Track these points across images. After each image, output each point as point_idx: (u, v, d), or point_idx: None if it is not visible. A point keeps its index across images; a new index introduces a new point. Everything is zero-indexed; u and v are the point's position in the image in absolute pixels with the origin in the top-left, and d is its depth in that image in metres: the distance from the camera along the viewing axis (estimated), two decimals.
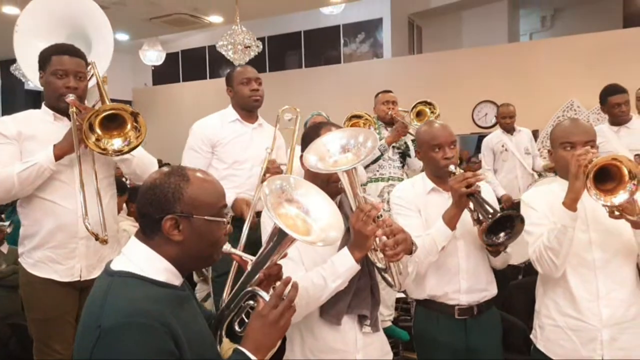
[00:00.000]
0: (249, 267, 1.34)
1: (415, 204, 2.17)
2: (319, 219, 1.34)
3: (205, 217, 1.21)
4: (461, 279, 2.10)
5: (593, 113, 7.36)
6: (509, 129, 4.87)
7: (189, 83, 11.53)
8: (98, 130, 2.14)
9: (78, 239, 2.22)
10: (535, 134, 5.48)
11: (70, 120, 2.18)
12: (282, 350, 1.83)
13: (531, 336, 2.08)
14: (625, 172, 1.67)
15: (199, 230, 1.21)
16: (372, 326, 1.76)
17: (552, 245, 1.83)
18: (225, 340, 1.35)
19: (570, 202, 1.79)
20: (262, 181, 2.65)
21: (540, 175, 4.74)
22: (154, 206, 1.19)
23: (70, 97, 2.18)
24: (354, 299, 1.72)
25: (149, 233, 1.21)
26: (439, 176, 2.13)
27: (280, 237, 1.25)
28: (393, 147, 3.81)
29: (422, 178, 2.24)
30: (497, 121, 5.06)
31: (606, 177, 1.71)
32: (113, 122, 2.17)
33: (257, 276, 1.33)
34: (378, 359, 1.81)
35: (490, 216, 1.84)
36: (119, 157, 2.25)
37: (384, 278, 1.74)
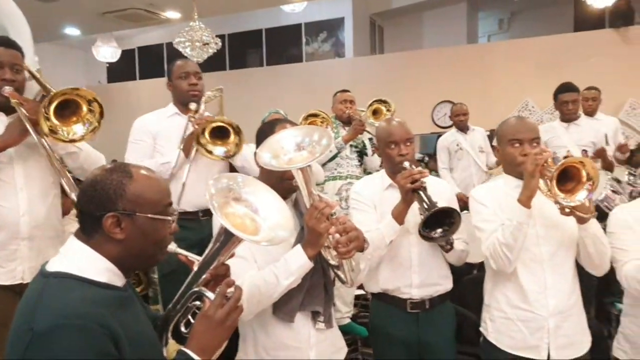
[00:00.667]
0: (195, 268, 1.31)
1: (371, 199, 2.21)
2: (268, 218, 1.32)
3: (149, 215, 1.18)
4: (413, 273, 2.15)
5: (546, 113, 7.60)
6: (463, 128, 4.98)
7: (146, 81, 11.17)
8: (54, 120, 2.05)
9: (20, 239, 2.13)
10: (492, 132, 5.61)
11: (7, 115, 2.10)
12: (234, 348, 1.82)
13: (481, 329, 2.13)
14: (584, 173, 1.73)
15: (142, 229, 1.18)
16: (326, 322, 1.78)
17: (508, 241, 1.89)
18: (172, 342, 1.32)
19: (526, 200, 1.86)
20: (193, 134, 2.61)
21: (490, 169, 4.87)
22: (94, 203, 1.15)
23: (7, 89, 2.08)
24: (307, 296, 1.72)
25: (89, 232, 1.17)
26: (395, 173, 2.15)
27: (227, 237, 1.23)
28: (351, 145, 3.84)
29: (382, 174, 2.29)
30: (452, 119, 5.16)
31: (565, 177, 1.77)
32: (66, 110, 2.09)
33: (203, 276, 1.30)
34: (331, 355, 1.82)
35: (427, 210, 1.90)
36: (64, 151, 2.18)
37: (336, 275, 1.76)
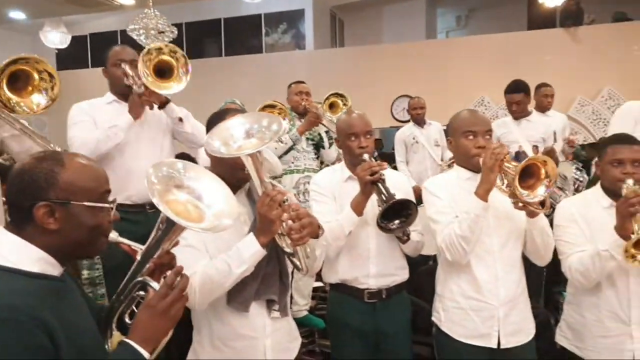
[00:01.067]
0: (138, 257, 1.27)
1: (331, 190, 2.22)
2: (213, 205, 1.28)
3: (85, 203, 1.13)
4: (371, 263, 2.16)
5: (501, 108, 7.79)
6: (420, 121, 5.05)
7: (98, 69, 10.86)
8: (10, 95, 1.97)
9: None
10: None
11: None
12: (188, 340, 1.80)
13: (433, 319, 2.16)
14: (544, 171, 1.78)
15: (78, 218, 1.13)
16: (281, 311, 1.76)
17: (465, 233, 1.92)
18: (116, 333, 1.28)
19: (484, 193, 1.89)
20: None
21: (449, 165, 4.95)
22: (23, 194, 1.10)
23: None
24: (262, 285, 1.71)
25: (20, 224, 1.12)
26: (355, 165, 2.16)
27: (170, 225, 1.19)
28: (307, 138, 3.81)
29: (341, 166, 2.29)
30: (409, 113, 5.21)
31: (525, 174, 1.81)
32: (18, 83, 2.01)
33: (147, 266, 1.26)
34: (287, 345, 1.82)
35: (385, 202, 1.92)
36: (8, 133, 2.07)
37: (292, 262, 1.74)
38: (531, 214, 1.91)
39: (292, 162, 3.73)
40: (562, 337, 2.18)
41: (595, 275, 1.94)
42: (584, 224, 2.06)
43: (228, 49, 10.95)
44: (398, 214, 1.97)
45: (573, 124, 7.90)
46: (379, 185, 1.98)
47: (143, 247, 1.28)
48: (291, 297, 3.26)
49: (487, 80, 7.98)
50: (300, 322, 3.03)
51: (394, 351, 2.23)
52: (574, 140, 4.54)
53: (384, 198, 1.94)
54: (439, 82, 8.46)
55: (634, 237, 1.77)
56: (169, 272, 1.19)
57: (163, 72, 2.59)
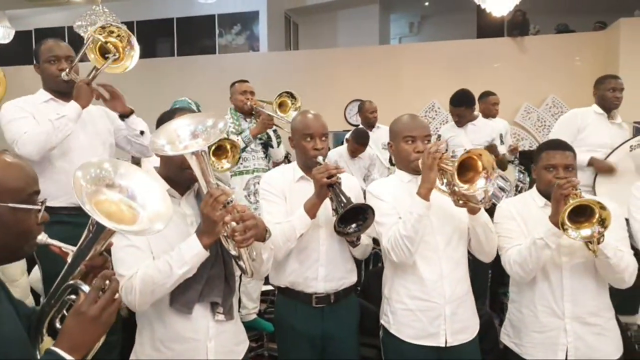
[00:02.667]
0: (69, 259, 1.21)
1: (282, 190, 2.19)
2: (147, 205, 1.24)
3: (10, 205, 1.07)
4: (320, 266, 2.15)
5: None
6: (372, 125, 5.10)
7: None
8: None
9: None
10: None
11: None
12: (132, 339, 1.76)
13: (382, 322, 2.17)
14: (480, 164, 1.82)
15: (2, 220, 1.07)
16: (226, 314, 1.73)
17: (409, 233, 1.94)
18: (47, 338, 1.22)
19: (426, 192, 1.93)
20: None
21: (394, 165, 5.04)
22: None
23: None
24: (206, 287, 1.68)
25: None
26: (308, 166, 2.15)
27: (100, 227, 1.14)
28: (259, 139, 3.77)
29: (293, 166, 2.26)
30: (361, 116, 5.24)
31: (463, 169, 1.85)
32: None
33: (79, 269, 1.20)
34: (232, 347, 1.78)
35: (343, 206, 1.90)
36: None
37: (238, 265, 1.72)
38: (472, 211, 1.95)
39: (242, 163, 3.67)
40: (505, 335, 2.23)
41: (532, 266, 1.98)
42: (522, 221, 2.13)
43: (181, 49, 10.78)
44: (354, 218, 1.96)
45: (519, 130, 8.21)
46: (336, 188, 1.96)
47: (74, 249, 1.22)
48: (239, 300, 3.23)
49: (438, 86, 8.15)
50: (249, 326, 3.00)
51: (341, 354, 2.22)
52: (516, 148, 4.70)
53: (341, 202, 1.92)
54: (392, 87, 8.60)
55: (567, 207, 1.83)
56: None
57: (108, 53, 2.53)
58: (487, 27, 9.74)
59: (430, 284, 2.02)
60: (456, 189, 1.85)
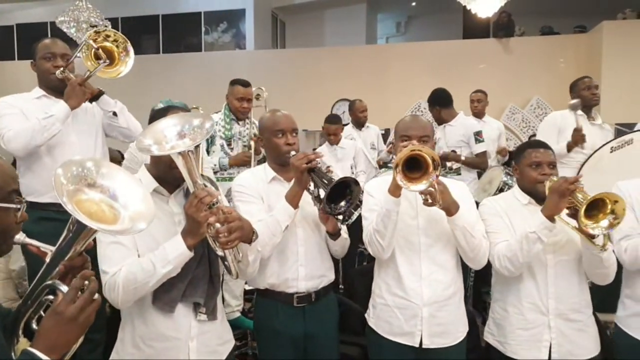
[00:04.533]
0: (47, 259, 1.20)
1: (257, 190, 2.16)
2: (129, 205, 1.23)
3: None
4: (300, 265, 2.14)
5: None
6: (362, 124, 5.11)
7: (26, 62, 10.31)
8: None
9: None
10: (387, 132, 5.81)
11: None
12: (113, 337, 1.75)
13: (366, 315, 2.20)
14: (430, 161, 1.82)
15: None
16: (209, 314, 1.73)
17: (378, 227, 1.97)
18: (23, 340, 1.20)
19: (394, 189, 1.93)
20: None
21: (383, 167, 5.03)
22: None
23: None
24: (189, 287, 1.68)
25: None
26: (280, 163, 2.15)
27: (80, 226, 1.13)
28: (244, 145, 3.70)
29: (264, 167, 2.24)
30: (351, 115, 5.24)
31: (416, 167, 1.86)
32: None
33: (57, 268, 1.19)
34: (216, 347, 1.78)
35: (327, 184, 1.87)
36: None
37: (224, 266, 1.72)
38: (447, 211, 1.95)
39: (226, 170, 3.62)
40: (488, 334, 2.24)
41: (523, 260, 1.99)
42: (506, 218, 2.15)
43: (166, 46, 10.69)
44: (342, 196, 1.92)
45: (504, 131, 8.27)
46: (316, 171, 1.94)
47: (53, 249, 1.21)
48: (223, 298, 3.20)
49: (424, 86, 8.06)
50: (232, 324, 2.98)
51: (321, 353, 2.21)
52: (505, 149, 4.73)
53: (325, 182, 1.90)
54: (378, 86, 8.63)
55: (582, 206, 1.84)
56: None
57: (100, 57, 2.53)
58: (473, 28, 9.82)
59: (408, 283, 2.04)
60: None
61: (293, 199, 2.02)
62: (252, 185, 2.17)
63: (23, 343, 1.19)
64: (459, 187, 2.16)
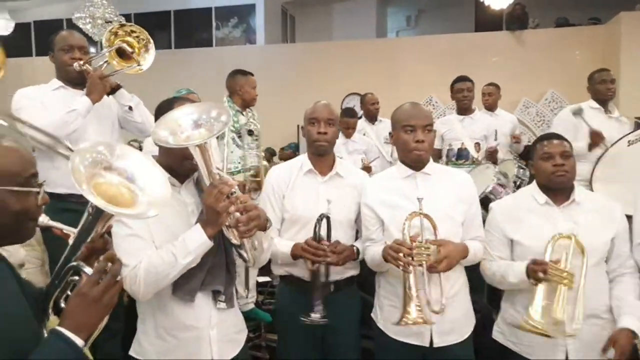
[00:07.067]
0: (71, 241, 1.23)
1: (281, 189, 2.22)
2: (146, 187, 1.24)
3: (8, 188, 1.08)
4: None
5: (449, 108, 7.98)
6: (373, 117, 5.09)
7: (43, 58, 10.46)
8: None
9: None
10: None
11: None
12: (131, 328, 1.78)
13: (372, 315, 2.18)
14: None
15: (2, 203, 1.08)
16: (227, 302, 1.75)
17: (374, 268, 2.12)
18: (54, 317, 1.24)
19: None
20: None
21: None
22: None
23: None
24: (208, 276, 1.70)
25: None
26: (313, 152, 2.22)
27: (99, 209, 1.15)
28: (250, 134, 3.75)
29: (302, 158, 2.28)
30: (363, 109, 5.23)
31: None
32: None
33: (80, 250, 1.22)
34: (233, 336, 1.80)
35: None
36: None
37: (239, 254, 1.73)
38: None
39: (240, 162, 3.65)
40: (499, 333, 2.20)
41: (501, 287, 2.11)
42: (513, 224, 2.11)
43: (178, 42, 10.74)
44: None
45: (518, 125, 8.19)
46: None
47: (75, 231, 1.24)
48: (236, 290, 3.23)
49: (435, 80, 8.14)
50: (246, 316, 3.01)
51: (341, 345, 2.23)
52: (519, 136, 4.68)
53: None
54: (389, 80, 8.57)
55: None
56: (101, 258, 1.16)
57: (122, 52, 2.60)
58: (486, 21, 9.73)
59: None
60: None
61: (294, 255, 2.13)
62: (278, 184, 2.24)
63: (53, 321, 1.22)
64: (463, 180, 2.14)
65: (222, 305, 1.74)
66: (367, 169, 3.99)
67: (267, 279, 3.75)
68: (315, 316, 1.99)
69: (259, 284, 3.69)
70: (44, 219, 1.19)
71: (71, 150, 2.21)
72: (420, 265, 1.85)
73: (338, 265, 2.07)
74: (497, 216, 2.16)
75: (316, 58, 9.26)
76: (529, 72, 8.20)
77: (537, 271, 1.89)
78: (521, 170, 3.40)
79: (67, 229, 1.24)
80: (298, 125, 8.69)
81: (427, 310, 1.86)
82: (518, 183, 3.25)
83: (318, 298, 2.01)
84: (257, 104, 3.93)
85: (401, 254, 1.83)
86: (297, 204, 2.18)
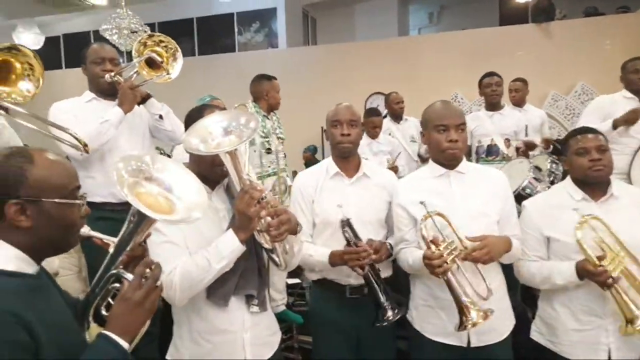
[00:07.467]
0: (111, 249, 1.28)
1: (309, 194, 2.23)
2: (183, 197, 1.28)
3: (55, 200, 1.12)
4: None
5: (474, 104, 7.89)
6: (398, 116, 5.06)
7: (72, 70, 10.66)
8: (5, 88, 2.02)
9: None
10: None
11: None
12: (169, 333, 1.81)
13: (407, 316, 2.16)
14: None
15: (49, 215, 1.13)
16: (260, 306, 1.77)
17: (407, 270, 2.08)
18: (93, 325, 1.29)
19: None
20: None
21: (424, 160, 4.96)
22: None
23: None
24: (241, 280, 1.72)
25: None
26: (337, 155, 2.24)
27: (141, 217, 1.20)
28: (279, 138, 3.80)
29: (327, 162, 2.29)
30: (388, 108, 5.20)
31: None
32: (1, 72, 2.03)
33: (120, 258, 1.26)
34: (266, 339, 1.82)
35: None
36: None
37: (270, 258, 1.75)
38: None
39: (269, 166, 3.68)
40: (537, 333, 2.17)
41: (541, 287, 2.07)
42: (549, 221, 2.06)
43: (201, 49, 10.88)
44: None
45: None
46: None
47: (115, 240, 1.28)
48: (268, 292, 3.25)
49: (460, 77, 8.05)
50: (278, 318, 3.02)
51: (376, 346, 2.22)
52: (548, 141, 4.60)
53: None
54: (412, 78, 8.50)
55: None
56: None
57: (151, 62, 2.67)
58: (510, 14, 9.56)
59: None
60: None
61: (333, 258, 2.11)
62: (306, 189, 2.25)
63: (94, 328, 1.27)
64: (497, 177, 2.11)
65: (255, 308, 1.76)
66: (393, 169, 3.97)
67: (296, 280, 3.76)
68: (389, 314, 1.99)
69: (289, 286, 3.70)
70: (85, 229, 1.24)
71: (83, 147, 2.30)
72: (454, 262, 1.83)
73: (381, 261, 2.07)
74: (532, 214, 2.12)
75: (338, 59, 9.25)
76: (557, 65, 8.01)
77: (602, 284, 1.85)
78: (554, 164, 3.33)
79: (107, 238, 1.29)
80: (322, 127, 8.71)
81: (480, 305, 1.83)
82: (551, 178, 3.19)
83: (384, 296, 2.01)
84: (281, 107, 3.98)
85: (438, 266, 1.81)
86: (327, 207, 2.19)
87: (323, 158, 8.50)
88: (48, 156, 1.16)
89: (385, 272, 2.23)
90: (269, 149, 3.65)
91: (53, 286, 1.25)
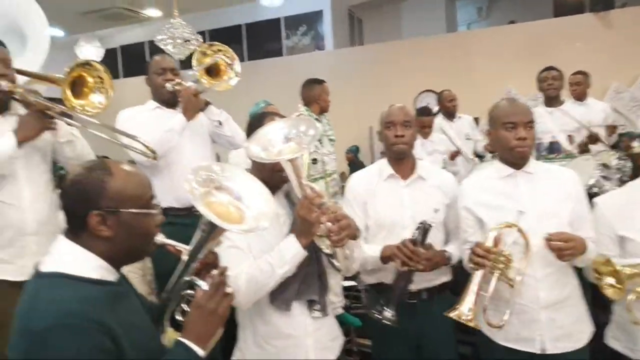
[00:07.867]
0: (184, 257, 1.32)
1: (363, 197, 2.21)
2: (252, 206, 1.32)
3: (133, 210, 1.18)
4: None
5: (529, 99, 7.61)
6: (451, 114, 4.96)
7: (129, 79, 10.93)
8: (76, 102, 2.13)
9: (27, 235, 2.11)
10: (477, 121, 5.62)
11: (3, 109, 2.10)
12: (234, 337, 1.84)
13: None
14: None
15: (127, 224, 1.18)
16: (322, 311, 1.79)
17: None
18: (170, 329, 1.34)
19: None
20: None
21: (481, 158, 4.84)
22: (77, 203, 1.16)
23: (3, 84, 2.05)
24: (303, 285, 1.74)
25: (76, 231, 1.18)
26: (391, 157, 2.21)
27: (212, 226, 1.23)
28: (330, 140, 3.82)
29: (381, 164, 2.27)
30: (440, 106, 5.12)
31: None
32: (75, 87, 2.16)
33: (193, 265, 1.31)
34: (328, 343, 1.83)
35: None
36: (64, 139, 2.21)
37: (331, 263, 1.76)
38: None
39: (322, 168, 3.71)
40: (613, 339, 2.06)
41: None
42: (625, 220, 1.96)
43: (250, 54, 11.05)
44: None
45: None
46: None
47: (188, 247, 1.32)
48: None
49: (513, 72, 7.83)
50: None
51: (437, 352, 2.19)
52: (614, 127, 4.38)
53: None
54: (463, 75, 8.32)
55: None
56: (214, 272, 1.23)
57: (210, 70, 2.76)
58: (565, 5, 9.20)
59: (522, 287, 1.88)
60: None
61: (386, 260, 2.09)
62: (359, 192, 2.23)
63: (170, 333, 1.32)
64: (568, 176, 2.03)
65: (317, 314, 1.78)
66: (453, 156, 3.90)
67: (352, 283, 3.75)
68: (387, 314, 1.98)
69: (344, 289, 3.70)
70: (159, 237, 1.28)
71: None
72: (492, 272, 1.82)
73: (425, 271, 2.03)
74: (605, 212, 2.02)
75: (386, 58, 9.18)
76: (618, 55, 7.61)
77: None
78: (621, 161, 3.17)
79: (179, 245, 1.33)
80: (370, 127, 8.66)
81: (478, 313, 1.84)
82: (619, 175, 3.03)
83: (396, 300, 1.99)
84: (330, 109, 4.02)
85: (479, 256, 1.83)
86: (381, 210, 2.18)
87: (371, 158, 8.48)
88: (124, 167, 1.22)
89: (445, 277, 2.20)
90: (315, 159, 3.68)
91: (132, 292, 1.31)
